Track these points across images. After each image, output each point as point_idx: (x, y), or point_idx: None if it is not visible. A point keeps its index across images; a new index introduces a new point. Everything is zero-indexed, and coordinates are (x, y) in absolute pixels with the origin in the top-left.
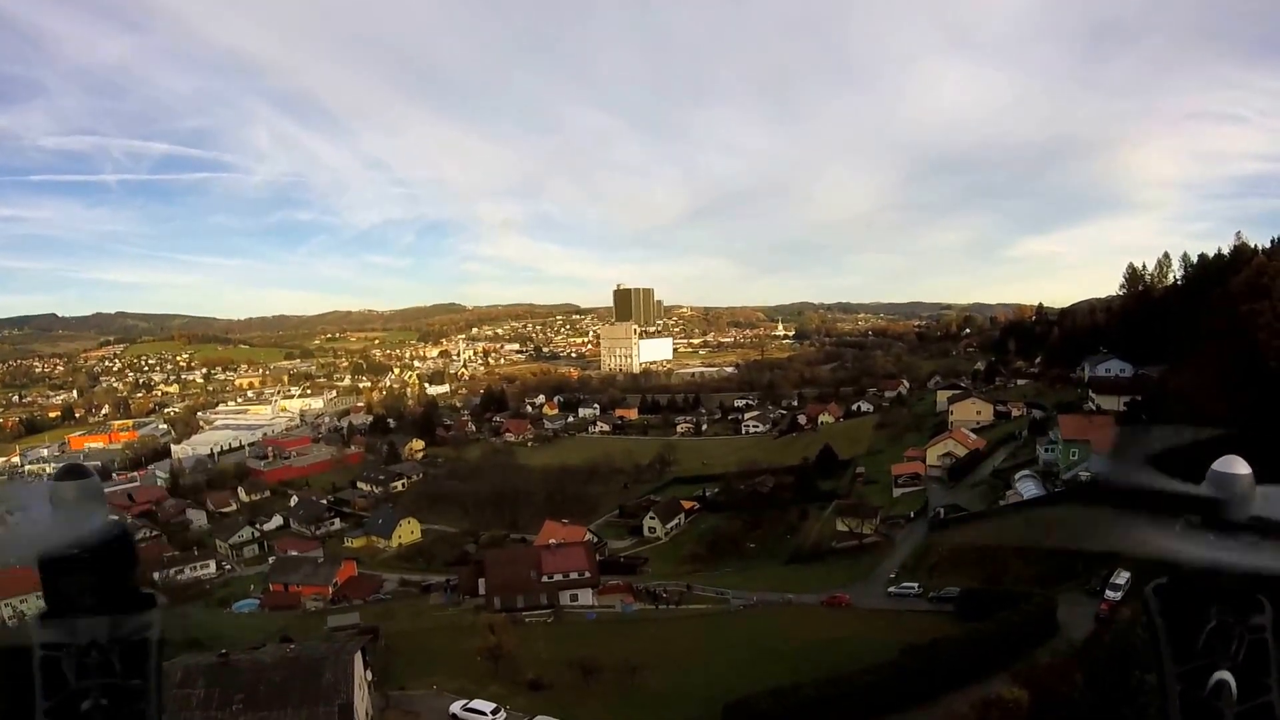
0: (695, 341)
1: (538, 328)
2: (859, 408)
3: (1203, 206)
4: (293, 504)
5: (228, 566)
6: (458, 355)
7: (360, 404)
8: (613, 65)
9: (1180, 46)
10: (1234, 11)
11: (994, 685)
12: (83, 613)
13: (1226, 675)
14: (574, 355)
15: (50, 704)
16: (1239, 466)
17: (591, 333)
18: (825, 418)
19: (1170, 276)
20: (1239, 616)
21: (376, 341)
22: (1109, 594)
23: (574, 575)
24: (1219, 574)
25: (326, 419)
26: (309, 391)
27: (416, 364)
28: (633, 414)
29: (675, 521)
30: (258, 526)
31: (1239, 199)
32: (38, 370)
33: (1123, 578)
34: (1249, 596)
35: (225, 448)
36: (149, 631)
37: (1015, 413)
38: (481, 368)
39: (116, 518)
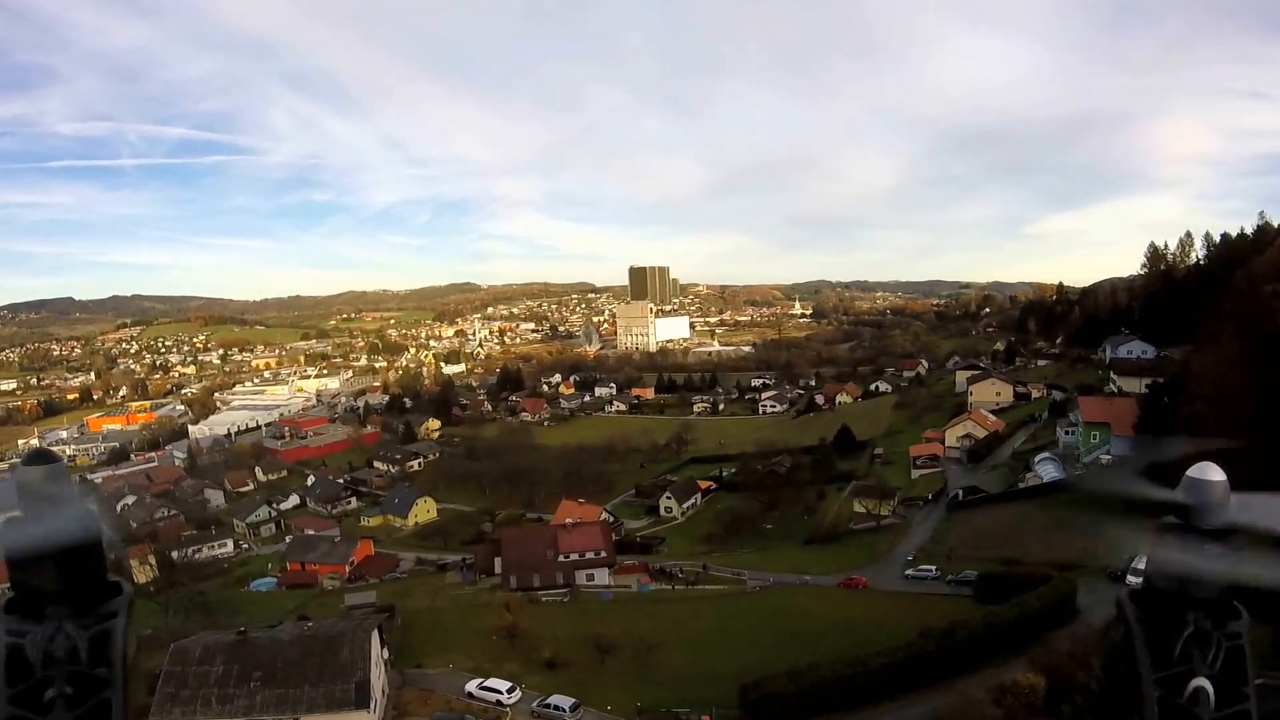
0: (712, 320)
1: (553, 307)
2: (877, 388)
3: (1229, 184)
4: (310, 483)
5: (245, 545)
6: (473, 334)
7: (376, 384)
8: (632, 40)
9: (1205, 20)
10: None
11: (1011, 670)
12: (48, 600)
13: (1204, 682)
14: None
15: (13, 692)
16: (1213, 473)
17: (607, 311)
18: (843, 398)
19: (1193, 256)
20: (1216, 623)
21: (392, 321)
22: (1131, 578)
23: (590, 554)
24: (1193, 580)
25: (343, 399)
26: (325, 371)
27: (432, 343)
28: (649, 393)
29: (692, 501)
30: (275, 506)
31: (1265, 176)
32: (55, 353)
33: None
34: (1226, 603)
35: (242, 428)
36: (115, 620)
37: (1035, 394)
38: (497, 347)
39: (83, 504)
